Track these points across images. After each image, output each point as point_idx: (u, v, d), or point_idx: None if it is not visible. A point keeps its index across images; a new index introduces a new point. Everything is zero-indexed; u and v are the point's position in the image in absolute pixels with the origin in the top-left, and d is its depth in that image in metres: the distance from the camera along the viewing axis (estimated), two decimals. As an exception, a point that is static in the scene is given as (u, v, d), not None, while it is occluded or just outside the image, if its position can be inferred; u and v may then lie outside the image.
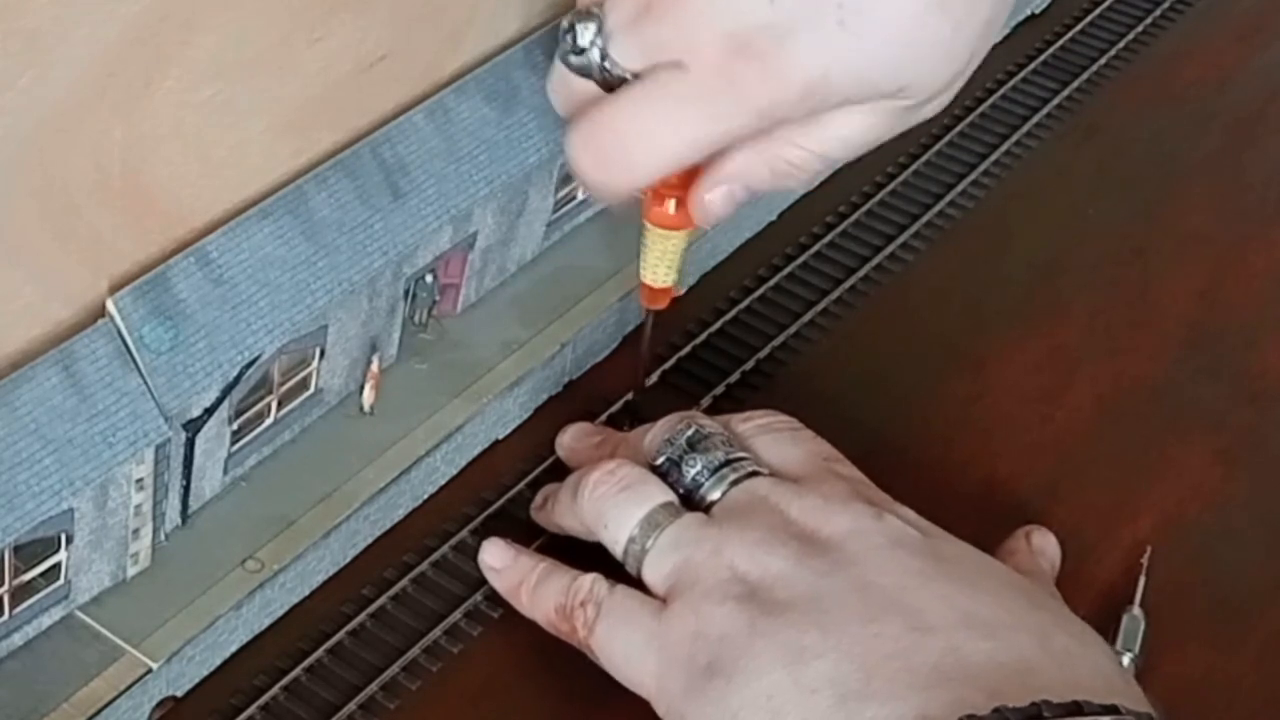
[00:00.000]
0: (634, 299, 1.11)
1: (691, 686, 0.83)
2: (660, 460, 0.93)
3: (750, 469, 0.91)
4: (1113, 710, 0.75)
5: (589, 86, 0.87)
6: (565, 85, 0.89)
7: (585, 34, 0.86)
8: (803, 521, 0.87)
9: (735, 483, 0.91)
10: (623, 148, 0.86)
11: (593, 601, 0.88)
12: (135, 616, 0.89)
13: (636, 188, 0.89)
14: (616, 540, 0.90)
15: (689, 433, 0.93)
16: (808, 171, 0.89)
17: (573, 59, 0.87)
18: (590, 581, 0.90)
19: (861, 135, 0.87)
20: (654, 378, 1.10)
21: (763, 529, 0.87)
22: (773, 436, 0.95)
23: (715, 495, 0.91)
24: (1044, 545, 0.97)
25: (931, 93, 0.85)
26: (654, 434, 0.94)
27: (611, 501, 0.91)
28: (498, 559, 0.94)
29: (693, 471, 0.92)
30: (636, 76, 0.85)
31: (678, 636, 0.85)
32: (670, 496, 0.91)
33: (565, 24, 0.87)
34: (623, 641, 0.87)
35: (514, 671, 0.94)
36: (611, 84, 0.86)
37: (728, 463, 0.92)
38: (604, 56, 0.86)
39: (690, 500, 0.91)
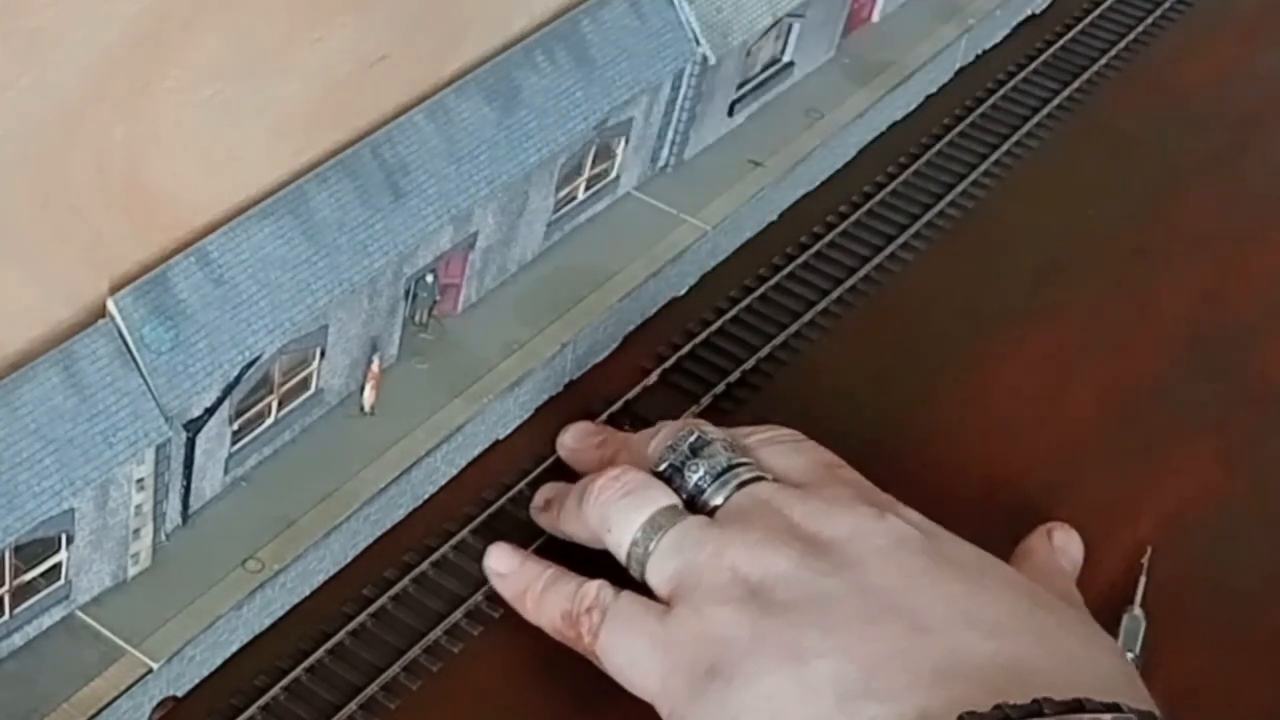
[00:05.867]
0: (634, 299, 1.11)
1: (694, 689, 0.83)
2: (663, 466, 0.93)
3: (753, 474, 0.92)
4: (1114, 708, 0.75)
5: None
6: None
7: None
8: (805, 524, 0.87)
9: (738, 487, 0.91)
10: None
11: (598, 607, 0.88)
12: (136, 616, 0.89)
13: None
14: (620, 544, 0.90)
15: (691, 439, 0.93)
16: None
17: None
18: (596, 588, 0.89)
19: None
20: (654, 377, 1.10)
21: (765, 531, 0.87)
22: (776, 447, 0.95)
23: (718, 500, 0.91)
24: (1065, 543, 0.97)
25: None
26: (658, 440, 0.95)
27: (615, 506, 0.91)
28: (504, 564, 0.94)
29: (695, 476, 0.92)
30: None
31: (680, 640, 0.85)
32: (674, 500, 0.91)
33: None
34: (627, 646, 0.87)
35: (515, 671, 0.94)
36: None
37: (730, 468, 0.92)
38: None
39: (693, 505, 0.92)
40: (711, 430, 0.94)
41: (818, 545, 0.86)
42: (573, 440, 1.02)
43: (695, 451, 0.93)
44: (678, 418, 1.01)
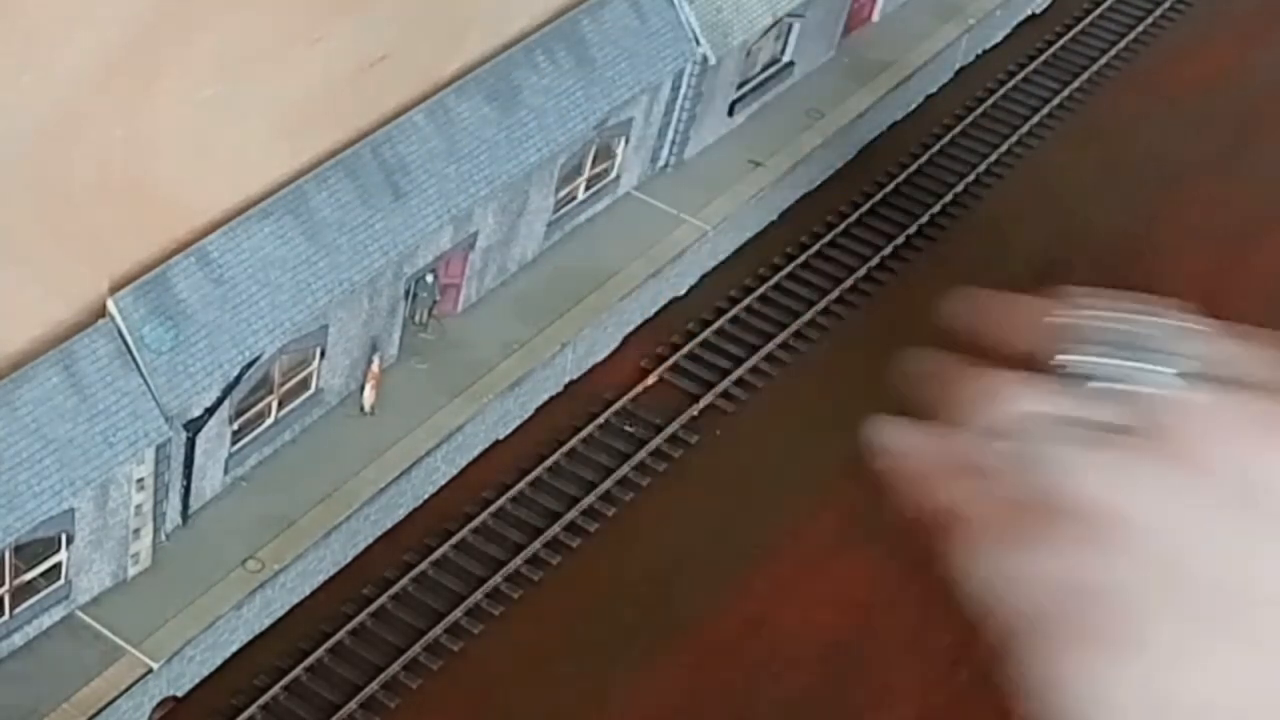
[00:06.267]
0: (634, 299, 1.11)
1: (1084, 650, 0.68)
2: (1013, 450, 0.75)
3: (1168, 382, 0.71)
4: None
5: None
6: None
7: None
8: (1235, 452, 0.65)
9: (1152, 399, 0.71)
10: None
11: (973, 514, 0.73)
12: (136, 616, 0.89)
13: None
14: (996, 449, 0.73)
15: (1105, 332, 0.72)
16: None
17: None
18: (977, 490, 0.73)
19: None
20: (654, 377, 1.10)
21: (1173, 461, 0.67)
22: (1192, 336, 0.74)
23: (1129, 414, 0.71)
24: None
25: None
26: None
27: (996, 409, 0.73)
28: (904, 443, 0.77)
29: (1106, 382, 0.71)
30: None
31: (1048, 577, 0.69)
32: (1057, 409, 0.72)
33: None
34: (990, 566, 0.71)
35: (515, 668, 0.94)
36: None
37: (1142, 366, 0.71)
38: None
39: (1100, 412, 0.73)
40: (1105, 339, 0.74)
41: (1241, 487, 0.65)
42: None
43: (1098, 354, 0.73)
44: (678, 417, 1.00)
